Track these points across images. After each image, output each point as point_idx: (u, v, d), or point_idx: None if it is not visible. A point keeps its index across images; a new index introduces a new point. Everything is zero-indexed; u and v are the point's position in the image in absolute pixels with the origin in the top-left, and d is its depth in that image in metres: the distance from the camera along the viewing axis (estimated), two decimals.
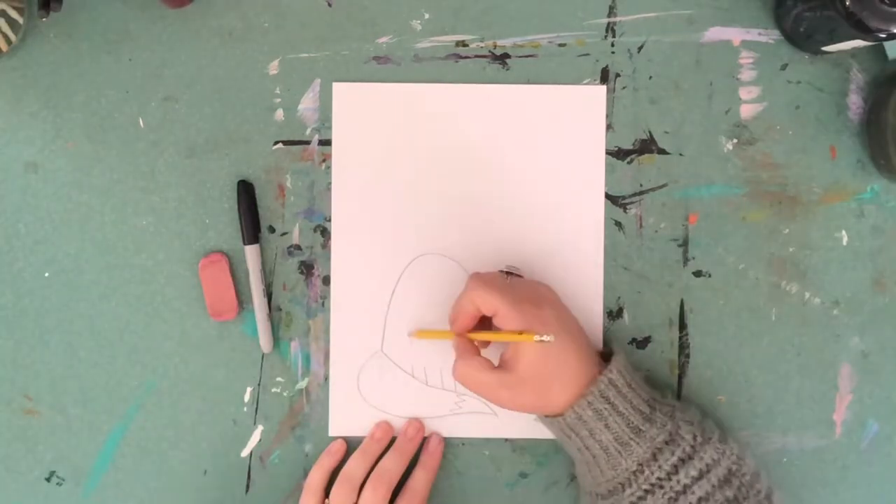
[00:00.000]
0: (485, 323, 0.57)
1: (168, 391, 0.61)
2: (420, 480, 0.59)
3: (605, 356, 0.56)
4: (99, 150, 0.60)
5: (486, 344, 0.58)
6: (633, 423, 0.52)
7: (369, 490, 0.57)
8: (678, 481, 0.51)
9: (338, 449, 0.60)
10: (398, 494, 0.58)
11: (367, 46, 0.60)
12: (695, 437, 0.52)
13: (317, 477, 0.59)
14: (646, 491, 0.52)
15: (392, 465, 0.58)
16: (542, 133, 0.60)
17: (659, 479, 0.51)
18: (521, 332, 0.52)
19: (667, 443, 0.52)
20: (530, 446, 0.61)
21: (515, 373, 0.53)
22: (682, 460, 0.51)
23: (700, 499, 0.51)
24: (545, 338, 0.51)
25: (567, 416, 0.53)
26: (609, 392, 0.53)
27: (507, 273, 0.57)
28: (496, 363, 0.55)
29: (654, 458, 0.52)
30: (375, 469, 0.58)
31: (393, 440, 0.60)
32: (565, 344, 0.53)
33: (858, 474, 0.61)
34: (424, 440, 0.60)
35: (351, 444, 0.60)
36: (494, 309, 0.53)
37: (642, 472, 0.52)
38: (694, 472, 0.51)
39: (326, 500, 0.58)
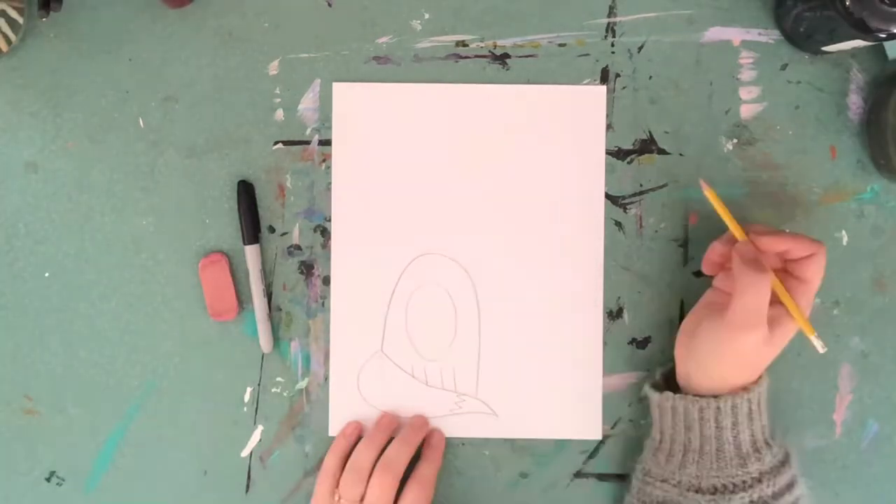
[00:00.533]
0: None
1: (168, 391, 0.61)
2: (427, 469, 0.59)
3: None
4: (99, 150, 0.60)
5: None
6: (765, 434, 0.54)
7: (376, 478, 0.57)
8: (784, 501, 0.53)
9: (352, 431, 0.60)
10: (405, 484, 0.58)
11: (367, 46, 0.60)
12: (796, 466, 0.54)
13: (332, 461, 0.59)
14: (752, 501, 0.52)
15: (398, 454, 0.58)
16: (542, 133, 0.60)
17: (774, 493, 0.53)
18: (807, 322, 0.53)
19: (782, 463, 0.54)
20: (530, 446, 0.61)
21: (779, 335, 0.52)
22: (790, 486, 0.53)
23: None
24: (818, 344, 0.53)
25: (723, 401, 0.53)
26: (760, 400, 0.54)
27: None
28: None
29: (773, 474, 0.53)
30: (382, 458, 0.58)
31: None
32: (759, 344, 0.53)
33: (858, 474, 0.61)
34: (426, 437, 0.60)
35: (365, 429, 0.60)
36: (814, 249, 0.52)
37: (761, 481, 0.53)
38: (791, 499, 0.53)
39: (336, 491, 0.58)
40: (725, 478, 0.53)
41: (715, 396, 0.53)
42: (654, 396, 0.56)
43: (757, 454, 0.53)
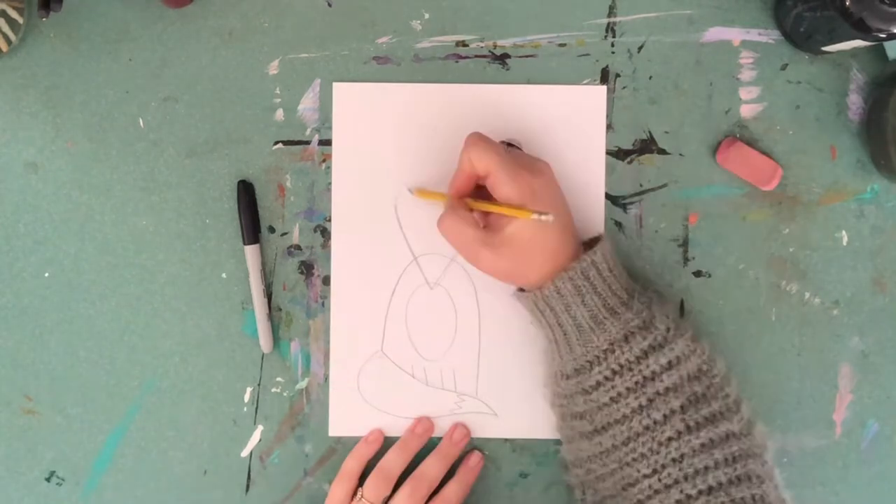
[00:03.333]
0: (484, 194, 0.56)
1: (168, 391, 0.61)
2: (454, 493, 0.58)
3: (590, 244, 0.56)
4: (99, 150, 0.60)
5: (484, 217, 0.56)
6: (609, 304, 0.52)
7: (407, 490, 0.57)
8: (647, 366, 0.51)
9: (375, 439, 0.60)
10: (429, 500, 0.58)
11: (367, 46, 0.60)
12: (668, 329, 0.52)
13: (352, 465, 0.59)
14: (613, 371, 0.51)
15: (433, 470, 0.58)
16: (542, 133, 0.60)
17: (628, 360, 0.51)
18: (520, 208, 0.52)
19: (640, 328, 0.52)
20: (530, 446, 0.61)
21: (500, 234, 0.53)
22: (654, 347, 0.51)
23: (668, 388, 0.51)
24: (543, 217, 0.51)
25: (546, 288, 0.53)
26: (590, 271, 0.53)
27: (508, 144, 0.56)
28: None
29: (626, 340, 0.52)
30: (417, 470, 0.58)
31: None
32: (555, 220, 0.52)
33: (858, 474, 0.61)
34: (464, 454, 0.60)
35: (388, 438, 0.60)
36: (488, 168, 0.53)
37: (612, 351, 0.52)
38: (664, 361, 0.51)
39: (360, 490, 0.58)
40: (580, 356, 0.53)
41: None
42: (516, 293, 0.57)
43: (600, 327, 0.52)
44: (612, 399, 0.51)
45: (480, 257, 0.54)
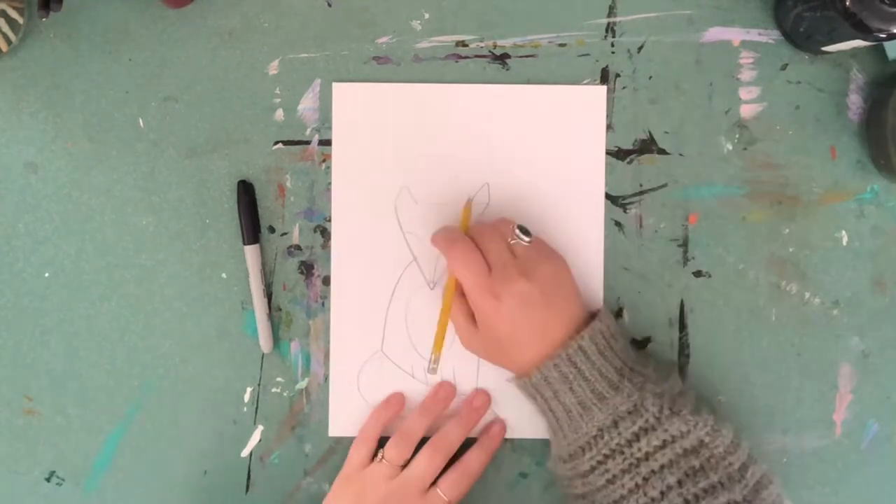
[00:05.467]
0: None
1: (168, 391, 0.61)
2: (475, 459, 0.58)
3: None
4: (99, 150, 0.60)
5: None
6: (597, 389, 0.52)
7: (426, 454, 0.57)
8: (639, 448, 0.51)
9: (396, 402, 0.60)
10: (448, 466, 0.58)
11: (367, 46, 0.60)
12: (661, 409, 0.51)
13: (372, 427, 0.59)
14: (605, 456, 0.51)
15: (453, 435, 0.58)
16: (542, 133, 0.60)
17: (619, 444, 0.51)
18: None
19: (629, 412, 0.52)
20: (530, 446, 0.61)
21: (478, 327, 0.55)
22: (644, 430, 0.51)
23: (662, 466, 0.50)
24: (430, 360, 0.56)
25: (533, 376, 0.53)
26: (577, 357, 0.52)
27: (521, 229, 0.55)
28: None
29: (616, 425, 0.52)
30: (436, 435, 0.58)
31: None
32: (529, 308, 0.52)
33: (858, 474, 0.61)
34: (487, 426, 0.60)
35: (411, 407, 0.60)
36: (463, 283, 0.54)
37: (602, 437, 0.52)
38: (656, 442, 0.51)
39: (380, 451, 0.58)
40: (573, 442, 0.53)
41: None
42: (513, 378, 0.56)
43: (587, 412, 0.52)
44: (607, 482, 0.52)
45: (479, 352, 0.57)
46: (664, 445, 0.51)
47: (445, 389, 0.60)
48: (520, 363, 0.54)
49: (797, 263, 0.61)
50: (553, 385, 0.53)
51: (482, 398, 0.60)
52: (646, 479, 0.50)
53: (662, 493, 0.50)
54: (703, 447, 0.51)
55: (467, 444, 0.59)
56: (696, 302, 0.61)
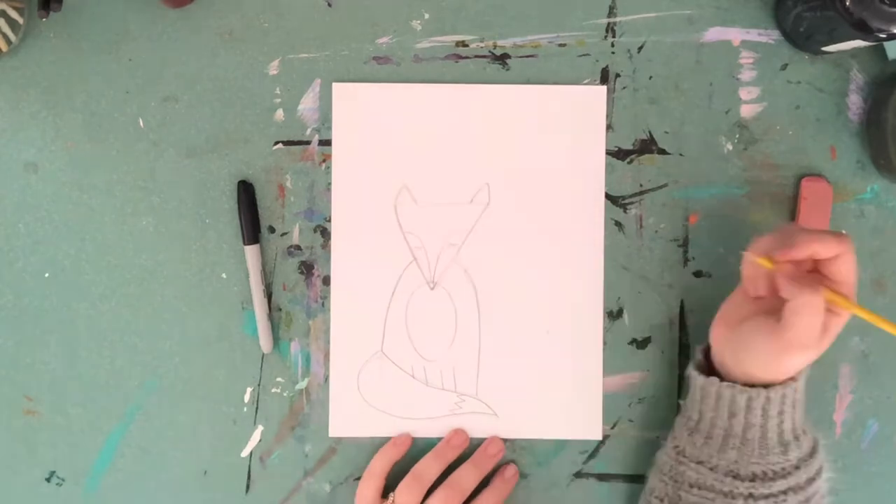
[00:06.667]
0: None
1: (168, 391, 0.61)
2: (490, 499, 0.59)
3: None
4: (99, 150, 0.60)
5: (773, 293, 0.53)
6: (802, 423, 0.54)
7: (440, 497, 0.57)
8: (812, 489, 0.53)
9: (403, 441, 0.60)
10: None
11: (367, 46, 0.60)
12: (823, 451, 0.54)
13: (380, 465, 0.59)
14: (789, 488, 0.52)
15: (467, 479, 0.58)
16: (542, 133, 0.60)
17: (808, 478, 0.52)
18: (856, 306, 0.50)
19: (814, 449, 0.53)
20: (530, 446, 0.61)
21: (816, 346, 0.50)
22: (819, 471, 0.53)
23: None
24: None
25: (776, 390, 0.51)
26: (802, 387, 0.53)
27: None
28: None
29: (808, 458, 0.53)
30: (451, 477, 0.58)
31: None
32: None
33: (858, 474, 0.61)
34: (499, 466, 0.60)
35: (417, 445, 0.60)
36: (841, 249, 0.49)
37: (798, 468, 0.52)
38: (820, 482, 0.53)
39: (391, 495, 0.58)
40: (766, 465, 0.52)
41: (765, 386, 0.52)
42: (699, 380, 0.54)
43: (796, 441, 0.53)
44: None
45: (798, 352, 0.50)
46: (818, 488, 0.53)
47: (459, 437, 0.60)
48: (751, 378, 0.52)
49: None
50: (784, 405, 0.52)
51: (497, 446, 0.60)
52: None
53: None
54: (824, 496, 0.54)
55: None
56: (696, 302, 0.61)
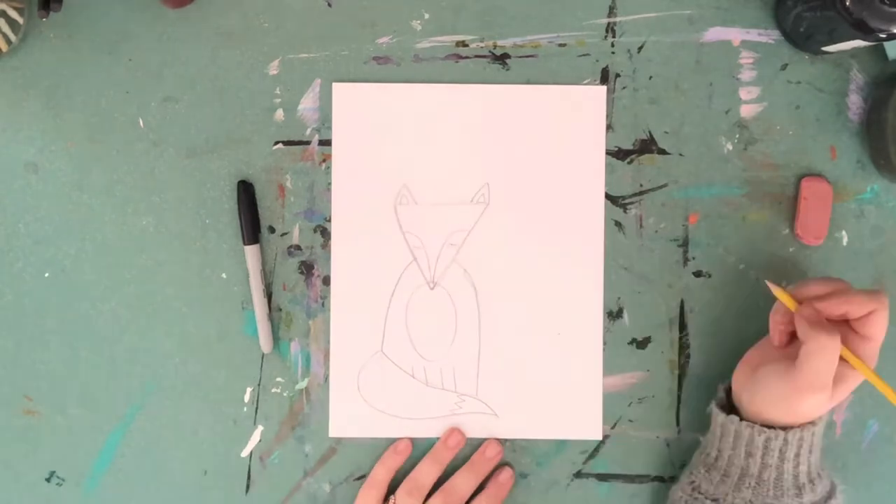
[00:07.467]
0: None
1: (168, 391, 0.61)
2: None
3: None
4: (99, 150, 0.60)
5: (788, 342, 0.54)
6: (819, 467, 0.54)
7: (438, 502, 0.58)
8: None
9: (404, 448, 0.60)
10: None
11: (367, 46, 0.60)
12: (841, 498, 0.54)
13: (381, 474, 0.59)
14: None
15: (464, 484, 0.58)
16: (542, 133, 0.60)
17: None
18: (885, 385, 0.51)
19: (830, 494, 0.54)
20: (530, 446, 0.61)
21: (827, 392, 0.50)
22: None
23: None
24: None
25: (794, 433, 0.52)
26: (820, 432, 0.53)
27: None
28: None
29: (825, 501, 0.53)
30: (447, 483, 0.58)
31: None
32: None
33: (858, 474, 0.61)
34: (495, 469, 0.60)
35: (417, 446, 0.60)
36: (874, 307, 0.50)
37: None
38: None
39: (392, 497, 0.58)
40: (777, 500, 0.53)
41: (784, 428, 0.52)
42: (720, 417, 0.54)
43: (811, 485, 0.53)
44: None
45: (809, 395, 0.50)
46: None
47: (455, 437, 0.60)
48: (767, 419, 0.53)
49: (797, 263, 0.61)
50: (801, 448, 0.52)
51: (494, 448, 0.60)
52: None
53: None
54: None
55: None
56: (696, 302, 0.61)
